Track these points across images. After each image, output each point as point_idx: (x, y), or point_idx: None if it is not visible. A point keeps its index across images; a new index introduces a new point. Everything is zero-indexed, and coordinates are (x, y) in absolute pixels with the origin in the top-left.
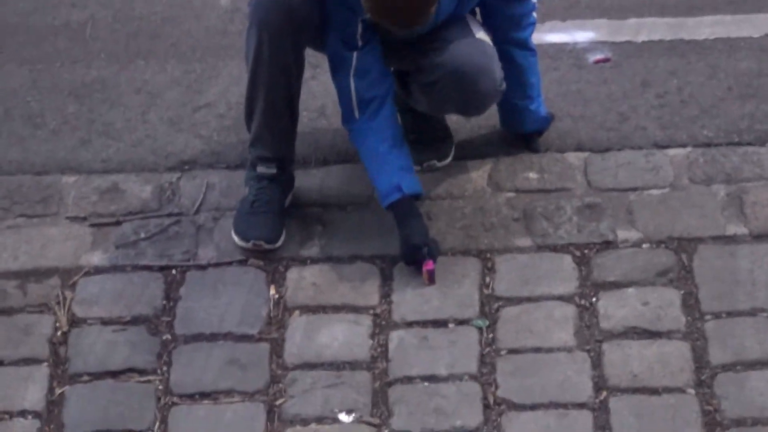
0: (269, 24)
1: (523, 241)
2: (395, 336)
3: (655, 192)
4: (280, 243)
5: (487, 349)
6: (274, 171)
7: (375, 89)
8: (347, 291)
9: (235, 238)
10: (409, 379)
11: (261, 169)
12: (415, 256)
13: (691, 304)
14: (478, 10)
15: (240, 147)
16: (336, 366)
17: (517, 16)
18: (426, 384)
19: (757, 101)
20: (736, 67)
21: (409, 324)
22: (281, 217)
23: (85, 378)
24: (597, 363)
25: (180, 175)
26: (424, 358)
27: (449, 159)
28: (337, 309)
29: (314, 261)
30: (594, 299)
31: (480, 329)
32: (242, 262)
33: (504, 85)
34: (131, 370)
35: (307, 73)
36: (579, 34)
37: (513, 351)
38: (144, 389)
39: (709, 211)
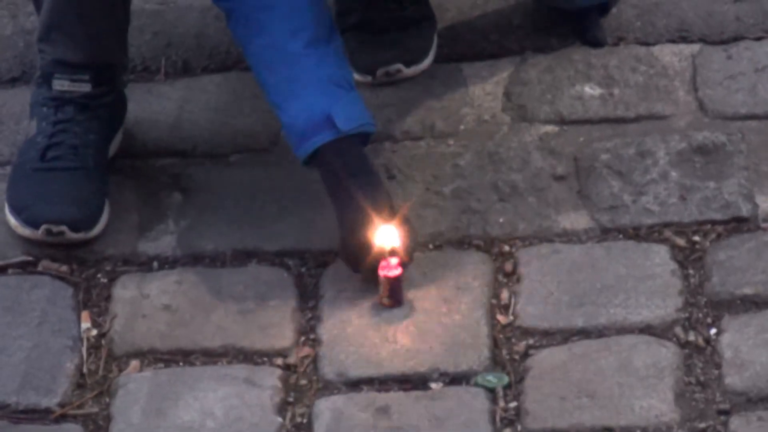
0: None
1: (573, 219)
2: (325, 408)
3: None
4: (98, 229)
5: None
6: (86, 89)
7: None
8: (232, 322)
9: (12, 220)
10: None
11: (61, 84)
12: (363, 251)
13: None
14: None
15: (21, 41)
16: None
17: None
18: None
19: None
20: None
21: (354, 384)
22: (101, 179)
23: None
24: None
25: None
26: None
27: (428, 61)
28: (212, 356)
29: (166, 263)
30: (712, 331)
31: (492, 391)
32: (26, 267)
33: None
34: None
35: None
36: None
37: None
38: None
39: None
